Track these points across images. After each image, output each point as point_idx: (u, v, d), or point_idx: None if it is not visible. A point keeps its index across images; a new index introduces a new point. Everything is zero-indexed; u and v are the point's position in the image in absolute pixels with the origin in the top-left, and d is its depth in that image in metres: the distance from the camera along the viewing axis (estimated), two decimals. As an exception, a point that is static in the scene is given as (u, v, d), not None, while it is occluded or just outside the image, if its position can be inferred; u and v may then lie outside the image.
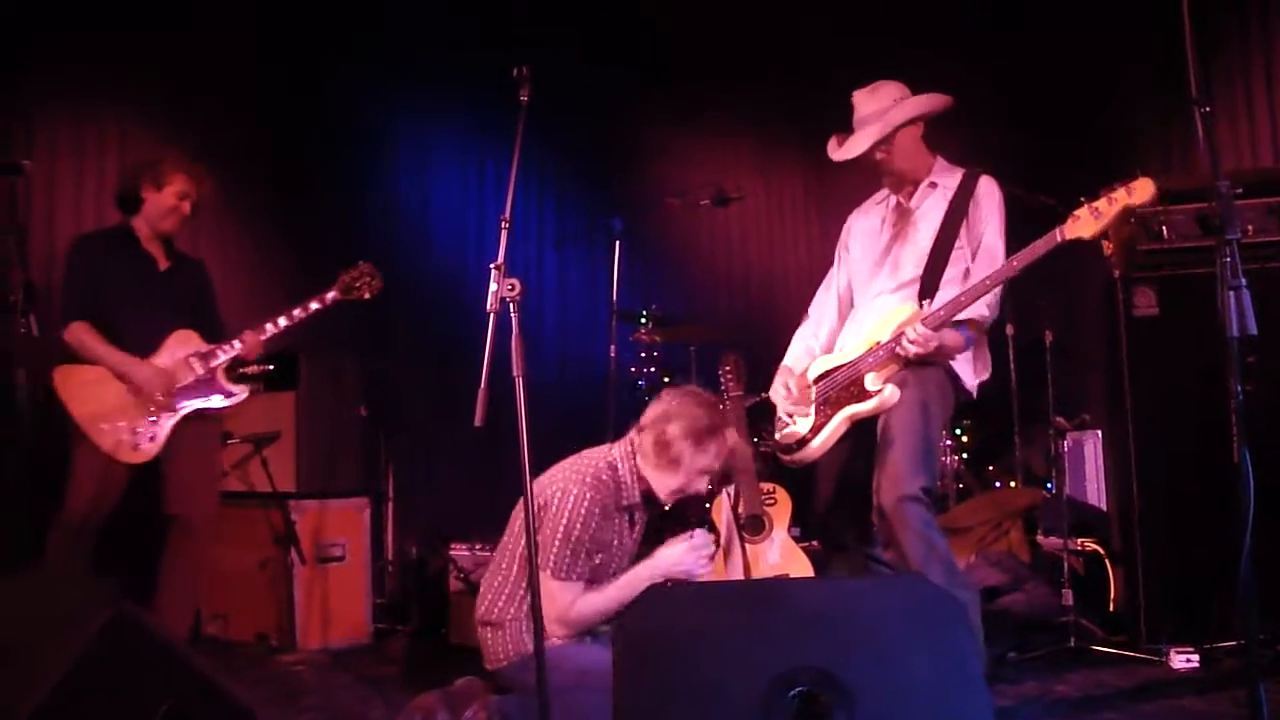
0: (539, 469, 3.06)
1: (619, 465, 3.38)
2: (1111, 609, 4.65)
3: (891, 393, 3.40)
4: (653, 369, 6.29)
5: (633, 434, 3.44)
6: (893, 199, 3.70)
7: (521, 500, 3.48)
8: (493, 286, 2.86)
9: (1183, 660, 4.01)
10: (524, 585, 3.28)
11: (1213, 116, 2.24)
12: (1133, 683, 3.88)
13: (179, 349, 4.17)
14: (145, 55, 5.50)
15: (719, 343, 5.92)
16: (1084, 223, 3.14)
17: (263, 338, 4.23)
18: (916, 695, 1.68)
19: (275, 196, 5.92)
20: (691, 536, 3.31)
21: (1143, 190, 3.08)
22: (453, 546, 5.15)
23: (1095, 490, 5.32)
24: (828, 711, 1.66)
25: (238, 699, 2.05)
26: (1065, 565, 4.53)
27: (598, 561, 3.29)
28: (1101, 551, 4.74)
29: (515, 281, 2.86)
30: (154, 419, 4.07)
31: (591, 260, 6.79)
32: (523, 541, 3.30)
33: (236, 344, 4.20)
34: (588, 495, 3.27)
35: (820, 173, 6.96)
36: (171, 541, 4.17)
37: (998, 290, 3.44)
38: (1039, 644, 4.35)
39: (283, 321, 4.25)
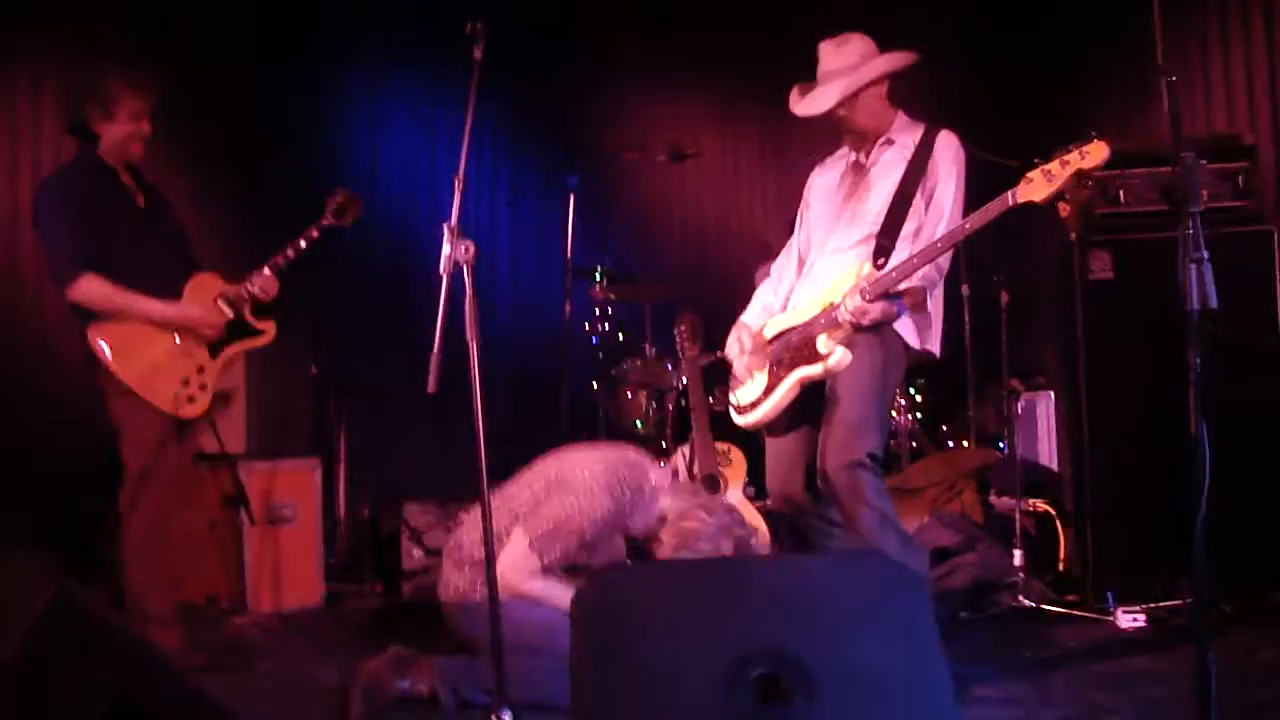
0: (492, 432, 3.02)
1: (657, 498, 3.38)
2: (1061, 569, 4.70)
3: (842, 356, 3.36)
4: (607, 326, 6.25)
5: (687, 497, 3.42)
6: (852, 155, 3.65)
7: (545, 456, 3.49)
8: (445, 248, 2.80)
9: (1130, 620, 4.06)
10: (502, 539, 3.27)
11: (1177, 86, 2.21)
12: (1082, 642, 3.92)
13: (203, 293, 3.95)
14: (85, 12, 5.30)
15: (675, 301, 5.89)
16: (1036, 185, 3.11)
17: (273, 276, 4.03)
18: (877, 675, 1.66)
19: (220, 155, 5.76)
20: None
21: (1096, 154, 3.04)
22: (405, 506, 5.12)
23: (1047, 450, 5.37)
24: (788, 693, 1.64)
25: (188, 680, 2.00)
26: (1017, 525, 4.56)
27: (579, 560, 3.30)
28: (1052, 512, 4.78)
29: (470, 244, 2.80)
30: (201, 368, 3.88)
31: (546, 216, 6.70)
32: (522, 498, 3.30)
33: (253, 287, 4.00)
34: (608, 506, 3.27)
35: (779, 129, 6.89)
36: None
37: (948, 256, 3.42)
38: (990, 604, 4.40)
39: (289, 254, 4.05)
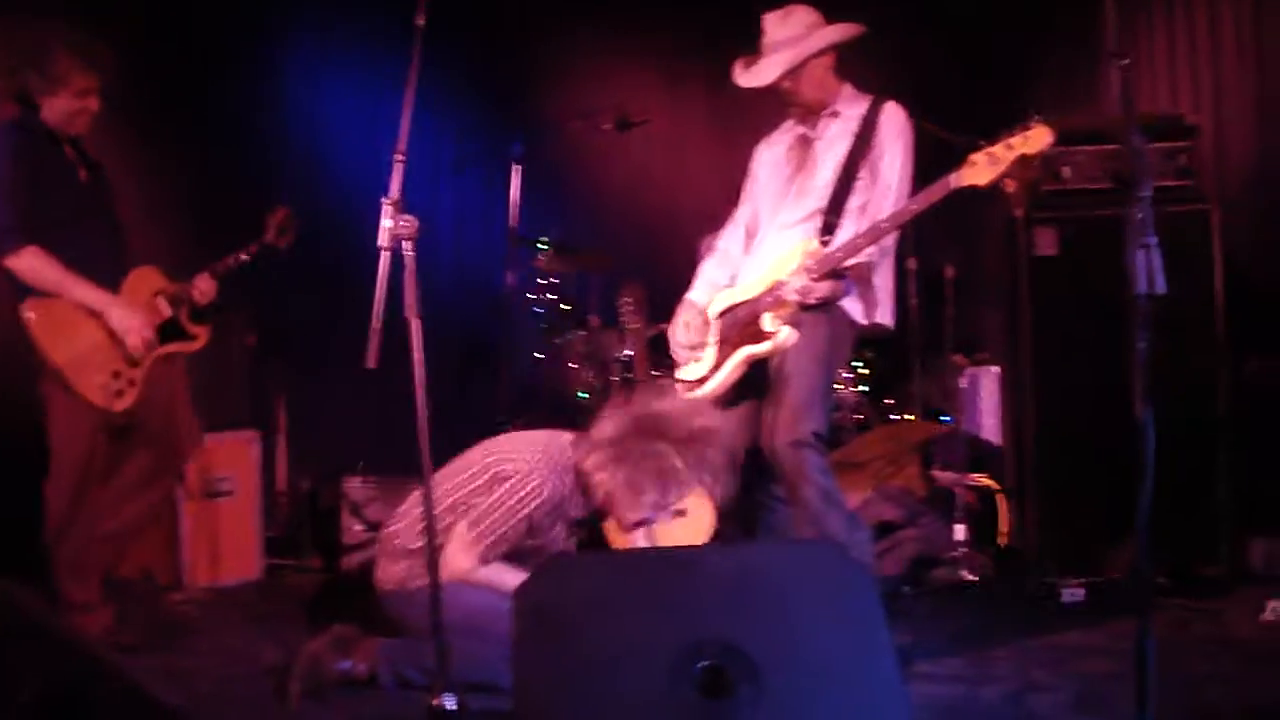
0: (433, 407, 2.98)
1: (586, 474, 3.32)
2: (1003, 543, 4.74)
3: (788, 335, 3.35)
4: (551, 296, 6.19)
5: (607, 449, 3.31)
6: (798, 129, 3.62)
7: (475, 446, 3.45)
8: (386, 222, 2.73)
9: (1070, 594, 4.10)
10: (446, 534, 3.24)
11: (1130, 70, 2.20)
12: (1022, 617, 3.96)
13: (143, 288, 3.83)
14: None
15: (620, 272, 5.84)
16: (979, 169, 3.11)
17: (215, 282, 3.97)
18: (825, 668, 1.65)
19: (156, 125, 5.58)
20: None
21: (1039, 138, 3.06)
22: (345, 480, 5.04)
23: (990, 425, 5.40)
24: (733, 684, 1.62)
25: (122, 670, 1.92)
26: (960, 500, 4.60)
27: (525, 547, 3.27)
28: (995, 486, 4.82)
29: (411, 218, 2.73)
30: (133, 361, 3.73)
31: (489, 185, 6.59)
32: (459, 491, 3.27)
33: (194, 290, 3.92)
34: (546, 490, 3.23)
35: (727, 99, 6.77)
36: (149, 481, 3.91)
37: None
38: (933, 578, 4.43)
39: (230, 264, 4.02)
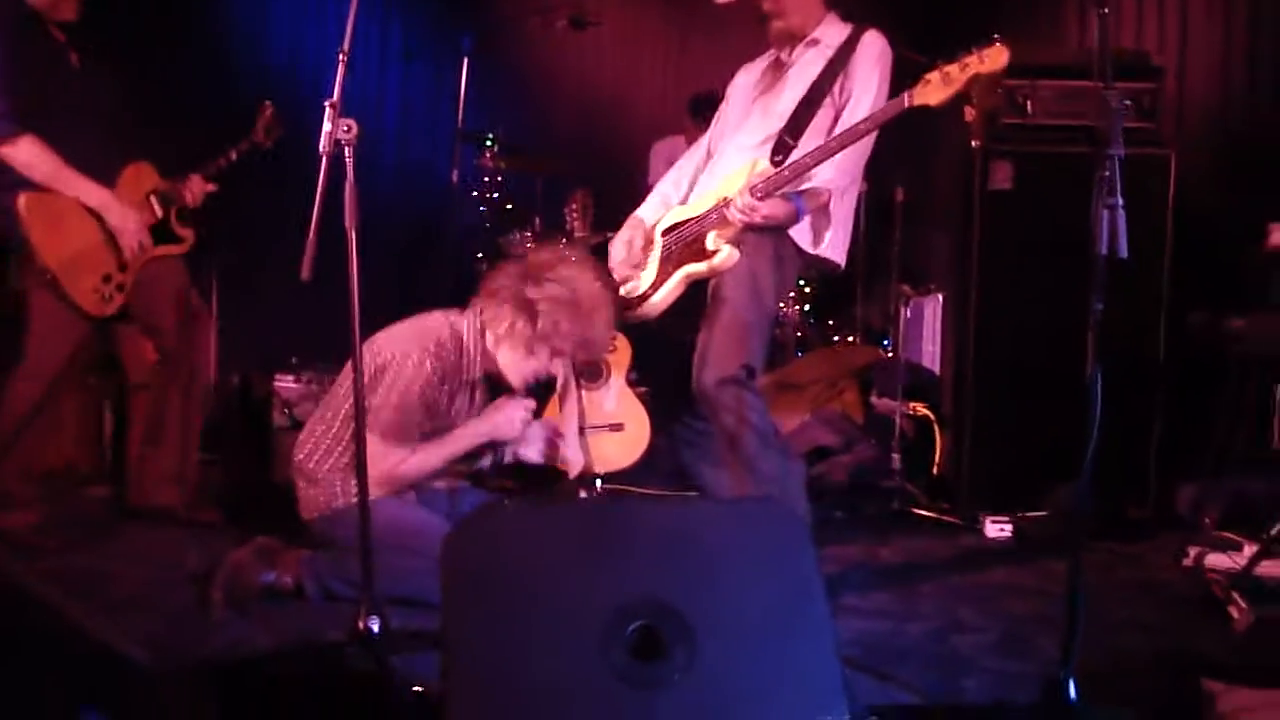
0: (371, 308, 2.90)
1: (464, 336, 3.25)
2: (935, 473, 4.76)
3: (728, 255, 3.24)
4: (496, 195, 6.06)
5: (480, 304, 3.28)
6: (776, 55, 3.51)
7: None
8: (326, 126, 2.60)
9: (997, 529, 4.14)
10: (344, 441, 3.20)
11: (1109, 18, 2.12)
12: (950, 550, 4.01)
13: (138, 185, 3.70)
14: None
15: (567, 177, 5.72)
16: (933, 88, 3.00)
17: (206, 184, 3.89)
18: (758, 627, 1.62)
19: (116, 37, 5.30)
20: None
21: (995, 58, 2.95)
22: (277, 377, 4.93)
23: (931, 353, 5.39)
24: (667, 646, 1.58)
25: (91, 631, 1.82)
26: (896, 428, 4.60)
27: (430, 429, 3.21)
28: (931, 416, 4.83)
29: (351, 123, 2.59)
30: (123, 265, 3.62)
31: (438, 78, 6.40)
32: (350, 399, 3.18)
33: (186, 191, 3.82)
34: (428, 362, 3.16)
35: (683, 3, 6.65)
36: (165, 385, 3.90)
37: (858, 158, 3.31)
38: (865, 506, 4.46)
39: (220, 164, 3.94)
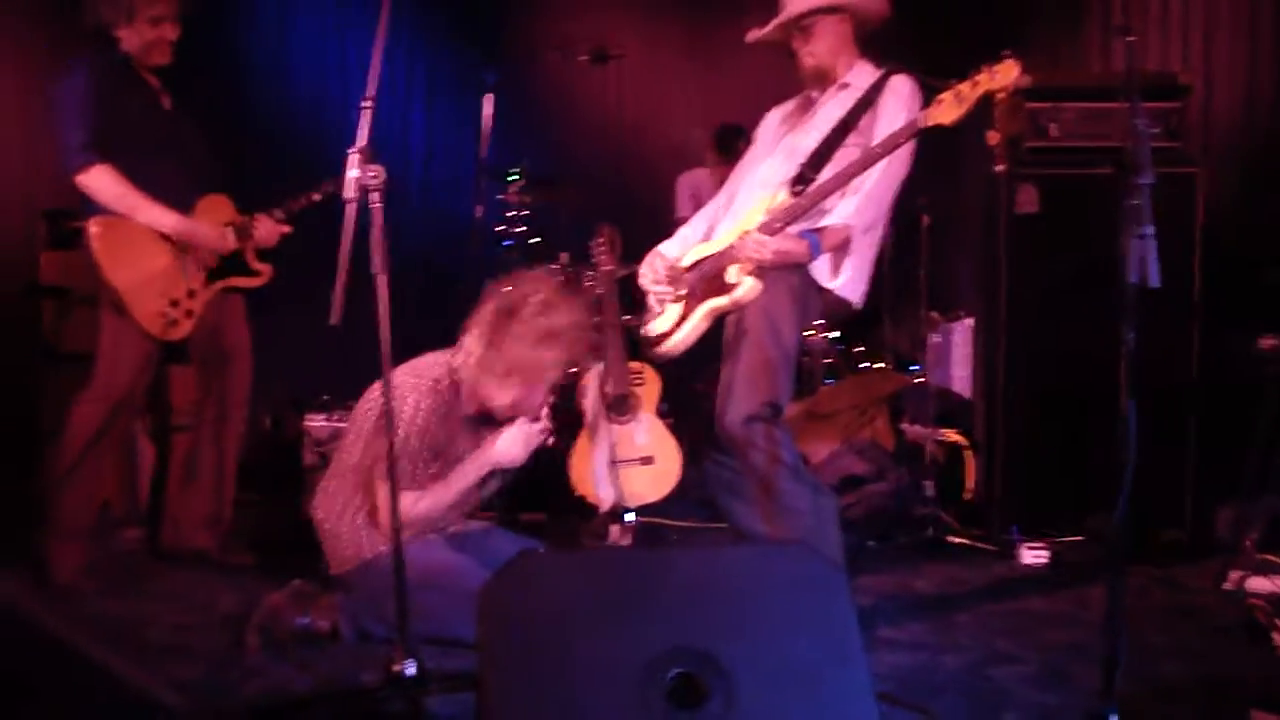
0: (398, 344, 2.92)
1: (458, 373, 3.28)
2: (968, 498, 4.73)
3: (750, 287, 3.20)
4: (521, 229, 6.07)
5: (460, 339, 3.30)
6: (806, 94, 3.51)
7: (355, 407, 3.39)
8: (352, 173, 2.62)
9: (1032, 555, 4.11)
10: (359, 498, 3.22)
11: (1134, 47, 2.11)
12: (985, 578, 3.97)
13: (213, 216, 3.78)
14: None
15: (592, 211, 5.72)
16: (946, 107, 2.99)
17: (280, 224, 3.93)
18: (795, 674, 1.61)
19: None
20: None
21: (1005, 73, 2.94)
22: (308, 416, 4.95)
23: (960, 378, 5.37)
24: (705, 693, 1.58)
25: (77, 649, 1.83)
26: (928, 455, 4.58)
27: (434, 471, 3.24)
28: (963, 442, 4.80)
29: (379, 169, 2.62)
30: (192, 292, 3.69)
31: (462, 113, 6.44)
32: (358, 452, 3.23)
33: (262, 228, 3.87)
34: (424, 404, 3.19)
35: (706, 36, 6.66)
36: (200, 425, 3.99)
37: (880, 197, 3.26)
38: (898, 534, 4.43)
39: (303, 203, 3.97)
